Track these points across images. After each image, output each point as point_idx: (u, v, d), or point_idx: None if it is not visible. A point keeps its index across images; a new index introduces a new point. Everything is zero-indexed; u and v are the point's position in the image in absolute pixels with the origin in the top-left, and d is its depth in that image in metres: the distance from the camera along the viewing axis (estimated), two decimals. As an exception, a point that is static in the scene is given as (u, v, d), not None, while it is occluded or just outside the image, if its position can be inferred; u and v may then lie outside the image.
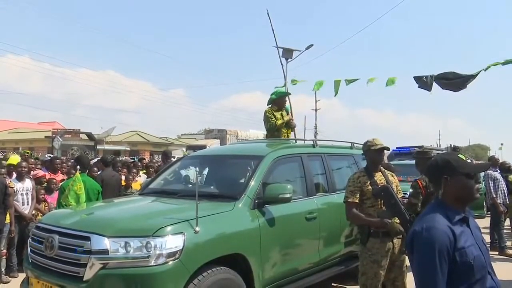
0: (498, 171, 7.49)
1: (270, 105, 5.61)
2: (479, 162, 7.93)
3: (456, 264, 1.60)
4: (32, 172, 6.71)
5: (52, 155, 10.62)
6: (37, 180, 6.20)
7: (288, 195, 3.55)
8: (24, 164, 5.88)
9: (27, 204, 5.68)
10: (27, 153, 11.86)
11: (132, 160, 9.29)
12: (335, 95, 6.90)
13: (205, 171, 4.59)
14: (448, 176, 1.72)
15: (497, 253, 6.93)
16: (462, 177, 1.71)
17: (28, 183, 5.73)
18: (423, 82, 6.11)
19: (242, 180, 3.87)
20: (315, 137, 29.95)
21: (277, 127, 5.44)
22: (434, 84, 6.08)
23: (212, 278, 2.97)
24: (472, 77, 5.78)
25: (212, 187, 4.16)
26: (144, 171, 8.07)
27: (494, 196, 7.11)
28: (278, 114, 5.50)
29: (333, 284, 4.81)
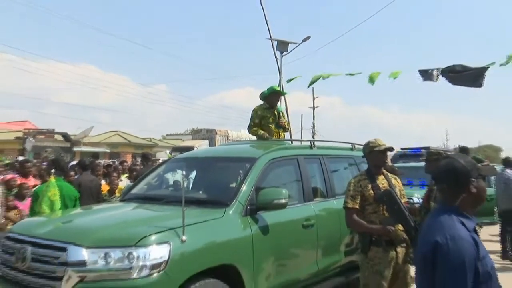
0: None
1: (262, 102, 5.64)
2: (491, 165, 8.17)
3: (478, 276, 1.60)
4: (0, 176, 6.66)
5: (23, 158, 10.52)
6: (7, 185, 6.14)
7: (283, 201, 3.58)
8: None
9: (-4, 212, 5.63)
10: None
11: (110, 163, 9.21)
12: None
13: (193, 175, 4.60)
14: (475, 179, 1.78)
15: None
16: (481, 180, 1.79)
17: (-4, 189, 5.67)
18: (429, 75, 6.20)
19: (233, 185, 3.89)
20: (313, 137, 30.12)
21: (252, 130, 5.39)
22: (443, 79, 6.17)
23: (201, 292, 2.97)
24: (484, 69, 5.87)
25: (200, 192, 4.18)
26: (127, 175, 8.04)
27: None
28: (268, 114, 5.43)
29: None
